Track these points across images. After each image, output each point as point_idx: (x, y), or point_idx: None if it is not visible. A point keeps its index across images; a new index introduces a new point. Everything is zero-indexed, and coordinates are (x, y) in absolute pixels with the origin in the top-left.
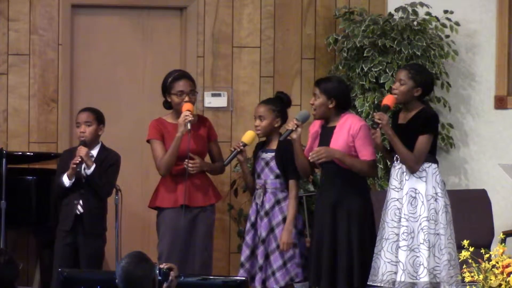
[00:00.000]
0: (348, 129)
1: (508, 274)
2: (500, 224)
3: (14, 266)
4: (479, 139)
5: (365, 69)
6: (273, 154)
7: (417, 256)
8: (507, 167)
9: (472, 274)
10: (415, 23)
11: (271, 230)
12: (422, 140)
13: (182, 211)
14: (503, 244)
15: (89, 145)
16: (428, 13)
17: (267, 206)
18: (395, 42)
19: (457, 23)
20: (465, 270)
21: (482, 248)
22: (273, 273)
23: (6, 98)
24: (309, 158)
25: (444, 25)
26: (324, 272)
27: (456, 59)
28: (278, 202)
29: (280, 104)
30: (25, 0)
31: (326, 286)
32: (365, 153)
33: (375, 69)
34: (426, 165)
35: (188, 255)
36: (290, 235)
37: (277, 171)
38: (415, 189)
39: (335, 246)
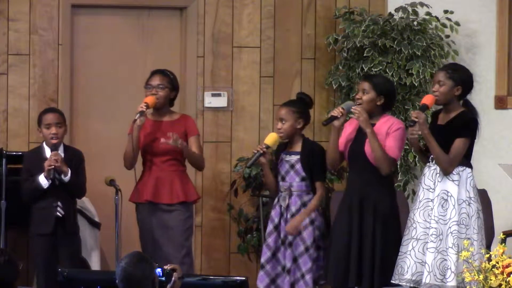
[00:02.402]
0: (387, 128)
1: (508, 274)
2: (500, 224)
3: (14, 266)
4: (479, 139)
5: (365, 69)
6: (298, 156)
7: (445, 260)
8: (507, 167)
9: (472, 274)
10: (415, 23)
11: (298, 232)
12: (459, 143)
13: (143, 207)
14: (503, 244)
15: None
16: (428, 13)
17: (293, 209)
18: (395, 42)
19: (457, 23)
20: (465, 270)
21: (482, 248)
22: (303, 276)
23: (6, 98)
24: (353, 107)
25: (444, 25)
26: (353, 270)
27: (456, 59)
28: (304, 204)
29: (301, 105)
30: (25, 0)
31: (353, 284)
32: (391, 150)
33: (375, 69)
34: (460, 168)
35: (157, 252)
36: (300, 222)
37: (303, 173)
38: (447, 192)
39: (362, 244)
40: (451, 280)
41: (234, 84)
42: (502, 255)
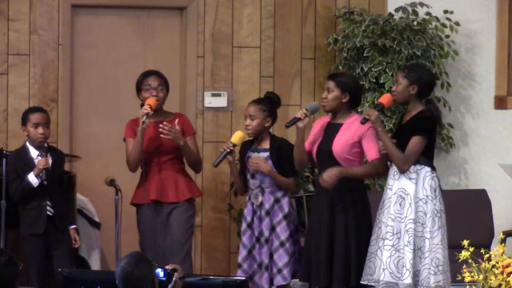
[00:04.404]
0: (355, 129)
1: (508, 274)
2: (500, 224)
3: (14, 266)
4: (479, 139)
5: (365, 69)
6: (267, 153)
7: (402, 258)
8: (507, 167)
9: (472, 274)
10: (415, 23)
11: (272, 229)
12: (414, 141)
13: (149, 207)
14: (503, 244)
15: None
16: (428, 13)
17: (267, 205)
18: (395, 42)
19: (457, 23)
20: (465, 270)
21: (482, 248)
22: (280, 271)
23: (6, 98)
24: (323, 177)
25: (444, 25)
26: (322, 270)
27: (456, 59)
28: (277, 200)
29: (270, 104)
30: (25, 0)
31: (324, 284)
32: (372, 153)
33: (375, 69)
34: (418, 167)
35: (159, 252)
36: (266, 166)
37: (274, 170)
38: (404, 190)
39: (333, 243)
40: (407, 278)
41: (234, 84)
42: (502, 255)
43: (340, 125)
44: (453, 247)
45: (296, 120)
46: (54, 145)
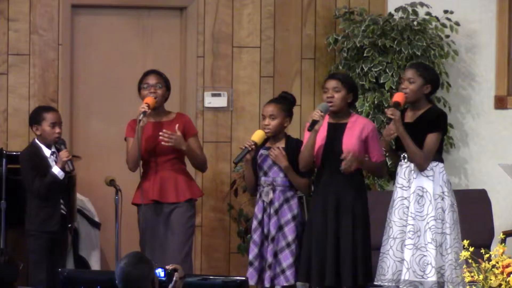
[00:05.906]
0: (361, 127)
1: (508, 274)
2: (500, 224)
3: (14, 266)
4: (479, 139)
5: (365, 69)
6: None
7: (424, 255)
8: (507, 167)
9: (472, 274)
10: (415, 23)
11: (280, 228)
12: (432, 138)
13: (144, 207)
14: (503, 244)
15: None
16: (428, 13)
17: (277, 204)
18: (395, 42)
19: (457, 23)
20: (465, 270)
21: (482, 248)
22: (283, 271)
23: (6, 98)
24: (344, 164)
25: (444, 25)
26: (329, 270)
27: (456, 59)
28: (287, 200)
29: (288, 103)
30: (25, 0)
31: (331, 283)
32: (376, 154)
33: (375, 69)
34: (433, 164)
35: (159, 252)
36: (285, 161)
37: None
38: (423, 188)
39: (338, 243)
40: (432, 276)
41: (234, 84)
42: (502, 255)
43: (345, 124)
44: None
45: (315, 122)
46: None
